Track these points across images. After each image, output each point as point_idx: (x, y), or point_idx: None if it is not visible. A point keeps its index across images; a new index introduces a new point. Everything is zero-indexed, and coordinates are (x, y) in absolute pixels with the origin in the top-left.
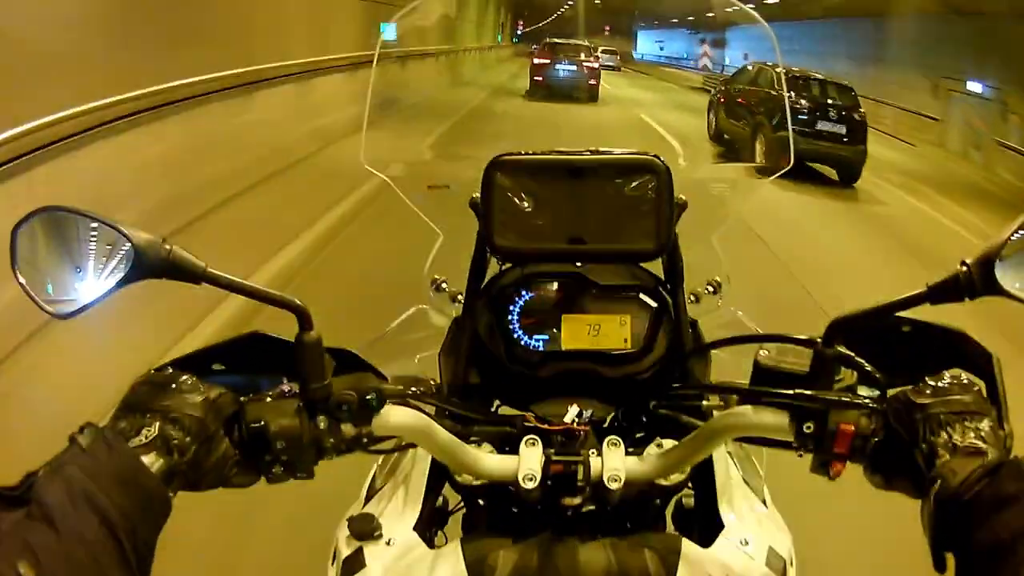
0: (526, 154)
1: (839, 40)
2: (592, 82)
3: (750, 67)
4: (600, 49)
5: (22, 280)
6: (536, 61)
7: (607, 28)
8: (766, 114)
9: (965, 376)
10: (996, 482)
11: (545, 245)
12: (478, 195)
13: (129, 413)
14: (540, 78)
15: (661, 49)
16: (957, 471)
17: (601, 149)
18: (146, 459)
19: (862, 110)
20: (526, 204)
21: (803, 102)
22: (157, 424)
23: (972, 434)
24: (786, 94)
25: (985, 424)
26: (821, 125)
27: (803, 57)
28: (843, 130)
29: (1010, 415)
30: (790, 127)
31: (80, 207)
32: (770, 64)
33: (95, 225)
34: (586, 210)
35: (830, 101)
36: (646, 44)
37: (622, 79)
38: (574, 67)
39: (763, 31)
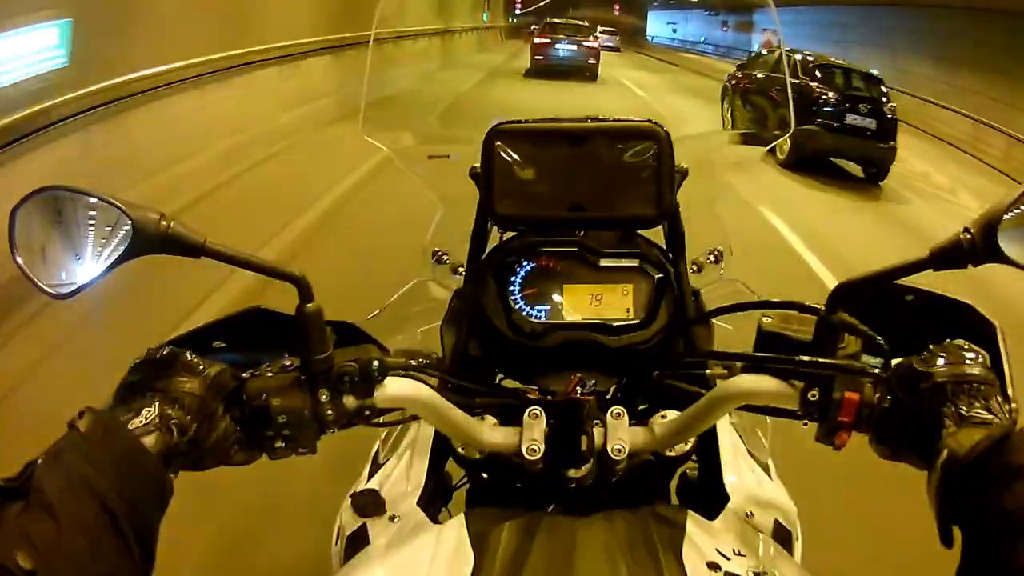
0: (526, 122)
1: (920, 35)
2: (591, 61)
3: (766, 52)
4: (599, 29)
5: (20, 261)
6: (536, 40)
7: (616, 7)
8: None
9: (969, 346)
10: (1003, 453)
11: (546, 212)
12: (478, 165)
13: (128, 394)
14: (540, 56)
15: (674, 31)
16: (964, 442)
17: (601, 117)
18: (146, 441)
19: (892, 104)
20: (526, 172)
21: (830, 93)
22: (157, 405)
23: (978, 404)
24: (787, 70)
25: (991, 396)
26: (850, 119)
27: (865, 52)
28: (873, 125)
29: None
30: (790, 98)
31: (78, 186)
32: (789, 50)
33: (93, 202)
34: (586, 177)
35: (858, 93)
36: (657, 26)
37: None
38: (574, 47)
39: (804, 14)
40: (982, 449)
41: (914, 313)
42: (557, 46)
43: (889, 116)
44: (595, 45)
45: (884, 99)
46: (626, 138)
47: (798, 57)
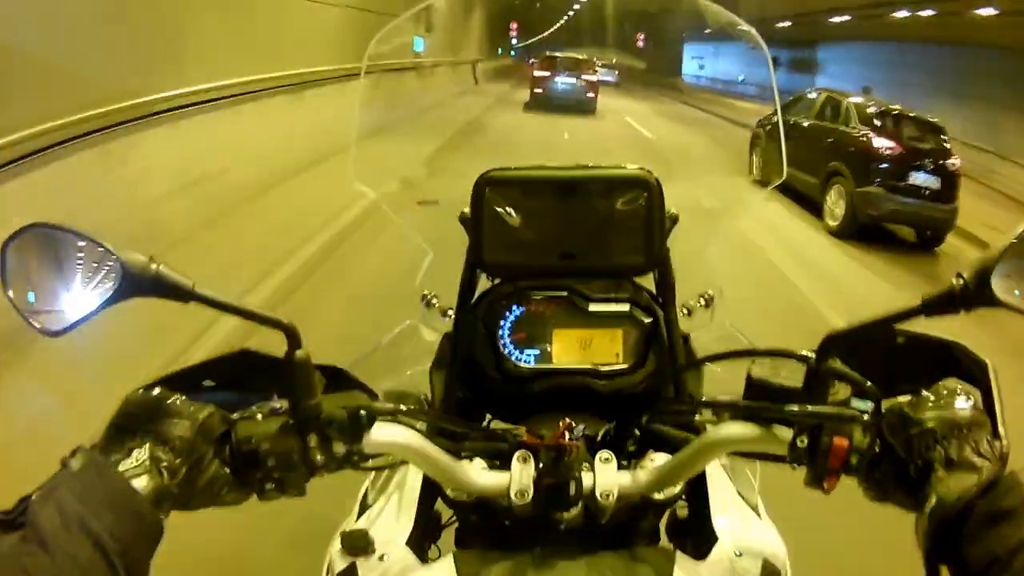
0: (516, 169)
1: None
2: (590, 95)
3: (813, 95)
4: (599, 63)
5: (11, 296)
6: (536, 73)
7: (640, 37)
8: (844, 160)
9: (960, 387)
10: (992, 497)
11: (535, 261)
12: (468, 210)
13: (119, 435)
14: (540, 90)
15: (700, 68)
16: (953, 487)
17: (591, 164)
18: (136, 483)
19: (956, 159)
20: (516, 220)
21: (891, 146)
22: (147, 447)
23: (968, 448)
24: (778, 108)
25: (981, 437)
26: (914, 178)
27: (923, 95)
28: (937, 184)
29: (1007, 425)
30: (782, 141)
31: (69, 225)
32: (842, 92)
33: (82, 244)
34: (576, 226)
35: (920, 145)
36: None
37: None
38: (573, 80)
39: (884, 54)
40: (971, 494)
41: (905, 355)
42: (556, 79)
43: (952, 172)
44: (594, 79)
45: (947, 152)
46: (616, 186)
47: (853, 101)
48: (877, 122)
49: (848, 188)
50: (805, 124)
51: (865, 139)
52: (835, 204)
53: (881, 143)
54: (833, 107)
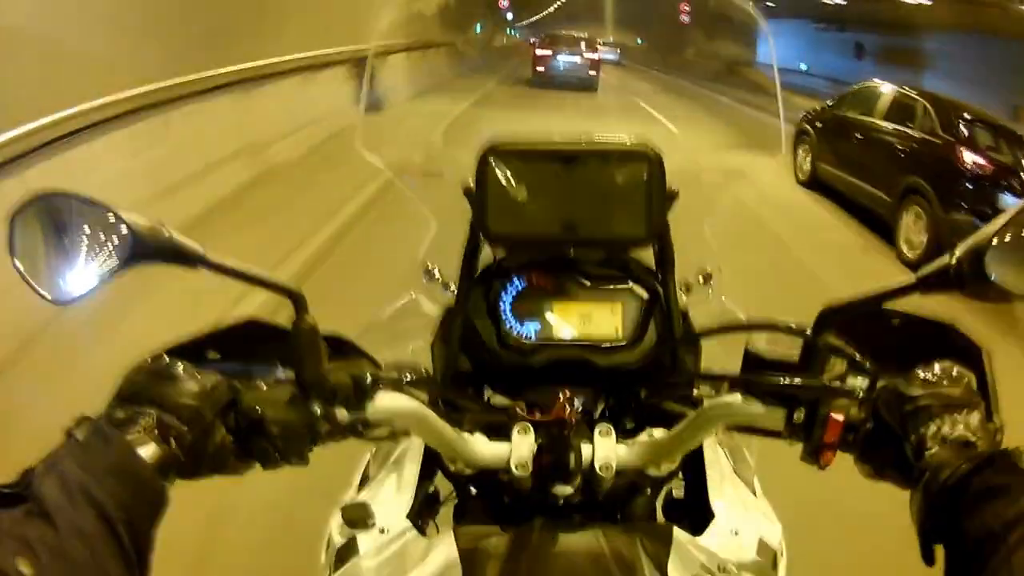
0: (519, 142)
1: None
2: (592, 72)
3: (881, 88)
4: (599, 42)
5: (20, 266)
6: (538, 52)
7: (685, 10)
8: (924, 176)
9: (955, 368)
10: (985, 474)
11: (537, 231)
12: (471, 182)
13: (124, 403)
14: (542, 68)
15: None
16: (946, 463)
17: (595, 138)
18: (142, 450)
19: None
20: (519, 191)
21: (982, 163)
22: (153, 414)
23: (961, 426)
24: (776, 69)
25: (974, 416)
26: (1004, 202)
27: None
28: None
29: (1000, 407)
30: (781, 109)
31: (78, 192)
32: (916, 92)
33: (92, 210)
34: (579, 197)
35: (1004, 159)
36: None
37: None
38: (575, 58)
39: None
40: (965, 470)
41: (901, 335)
42: (558, 57)
43: None
44: (595, 57)
45: None
46: (618, 159)
47: (930, 102)
48: (964, 130)
49: (932, 213)
50: (868, 123)
51: (953, 152)
52: (913, 230)
53: (972, 158)
54: (901, 106)
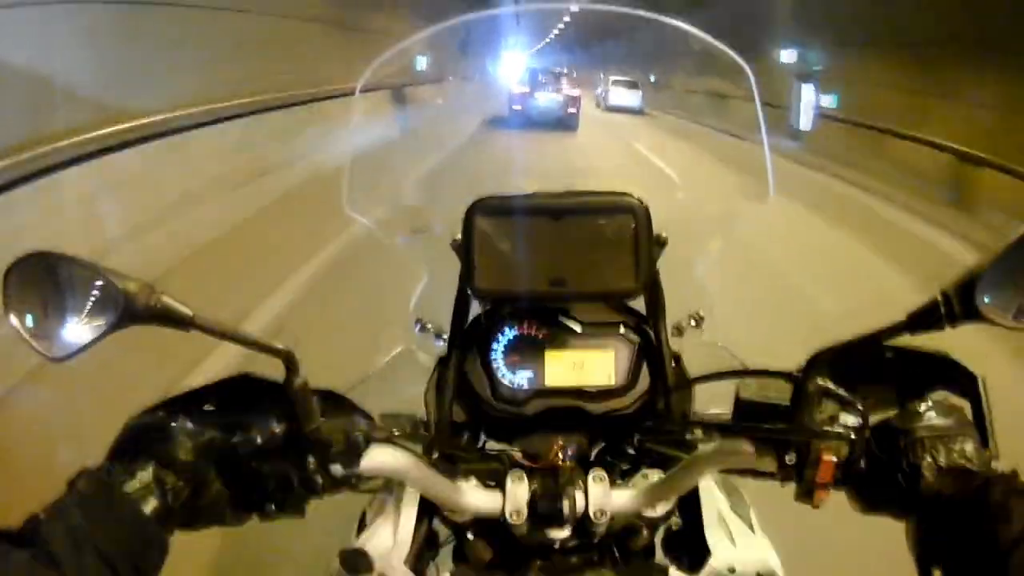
0: (504, 196)
1: None
2: (572, 110)
3: None
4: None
5: (15, 322)
6: (515, 90)
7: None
8: None
9: (948, 399)
10: (982, 497)
11: (525, 287)
12: (459, 237)
13: (123, 457)
14: (519, 107)
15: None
16: (942, 490)
17: (580, 190)
18: (142, 504)
19: None
20: (506, 246)
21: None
22: (151, 469)
23: (956, 454)
24: (758, 103)
25: (969, 445)
26: None
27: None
28: None
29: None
30: (765, 143)
31: (72, 253)
32: None
33: (86, 272)
34: (566, 251)
35: None
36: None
37: None
38: (554, 95)
39: None
40: (960, 497)
41: (894, 369)
42: (535, 95)
43: None
44: (575, 94)
45: None
46: (604, 211)
47: None
48: None
49: None
50: None
51: None
52: None
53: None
54: None
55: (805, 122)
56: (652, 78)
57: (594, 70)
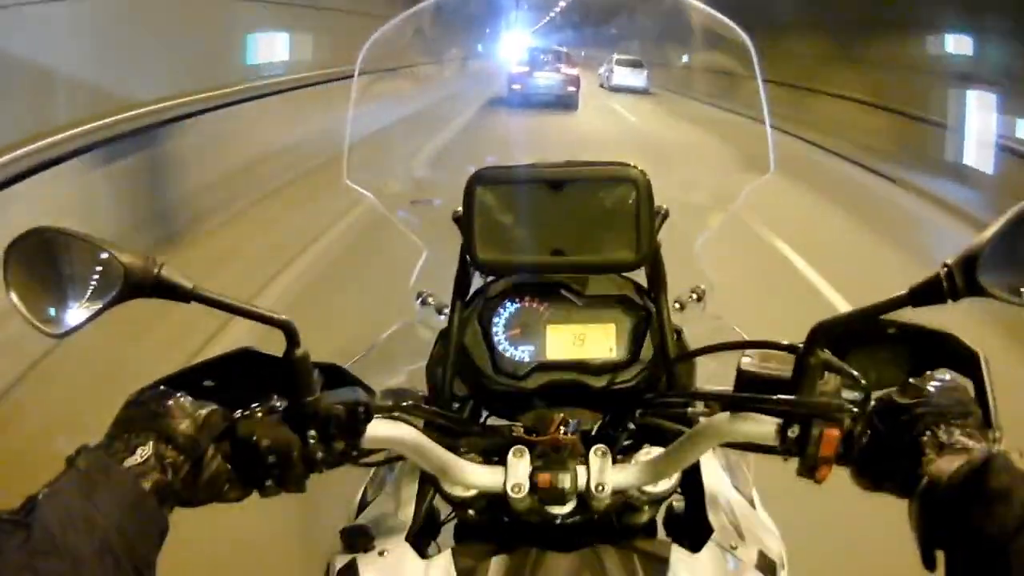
0: (505, 168)
1: None
2: (571, 88)
3: None
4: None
5: (15, 298)
6: (514, 69)
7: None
8: None
9: (951, 376)
10: (983, 478)
11: (527, 258)
12: (461, 209)
13: (123, 433)
14: (519, 86)
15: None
16: (944, 468)
17: (581, 160)
18: (141, 479)
19: None
20: (507, 217)
21: None
22: (151, 443)
23: (958, 432)
24: (760, 84)
25: (971, 423)
26: None
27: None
28: None
29: (999, 414)
30: (768, 124)
31: (73, 229)
32: None
33: (87, 247)
34: (567, 222)
35: None
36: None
37: None
38: (553, 73)
39: None
40: (962, 475)
41: (896, 345)
42: (535, 74)
43: None
44: (574, 72)
45: None
46: (604, 182)
47: None
48: None
49: None
50: None
51: None
52: None
53: None
54: None
55: (978, 155)
56: (659, 58)
57: (600, 49)
